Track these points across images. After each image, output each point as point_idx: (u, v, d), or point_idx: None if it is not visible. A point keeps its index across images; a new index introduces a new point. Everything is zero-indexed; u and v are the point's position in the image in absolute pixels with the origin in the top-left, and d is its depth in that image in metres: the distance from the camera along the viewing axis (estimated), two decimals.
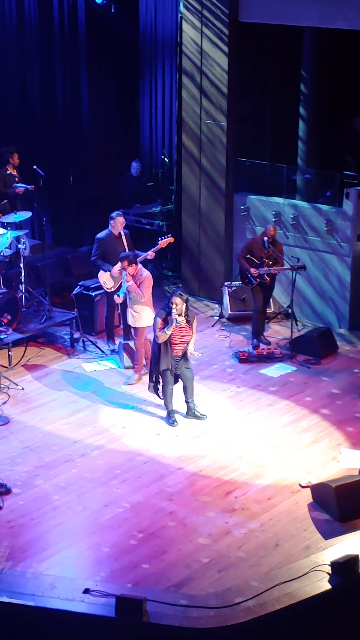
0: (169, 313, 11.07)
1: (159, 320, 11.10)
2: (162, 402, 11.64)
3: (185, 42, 14.69)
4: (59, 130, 17.16)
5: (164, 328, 11.07)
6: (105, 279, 13.12)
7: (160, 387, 11.50)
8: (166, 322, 11.09)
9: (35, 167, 15.08)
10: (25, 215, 14.06)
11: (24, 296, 13.52)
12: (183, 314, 11.13)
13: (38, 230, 17.26)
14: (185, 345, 11.25)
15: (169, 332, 11.06)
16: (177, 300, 11.06)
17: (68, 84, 16.91)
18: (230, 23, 14.17)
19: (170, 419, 11.49)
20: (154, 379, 11.47)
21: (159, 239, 13.10)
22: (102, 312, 13.76)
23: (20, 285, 13.55)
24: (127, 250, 13.09)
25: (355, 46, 13.85)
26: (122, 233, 13.14)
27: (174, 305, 11.04)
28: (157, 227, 15.99)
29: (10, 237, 13.55)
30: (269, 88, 15.33)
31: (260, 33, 14.52)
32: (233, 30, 14.23)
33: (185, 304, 11.15)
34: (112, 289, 13.15)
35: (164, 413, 11.65)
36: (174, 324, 11.03)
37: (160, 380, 11.43)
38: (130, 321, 12.32)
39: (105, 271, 13.08)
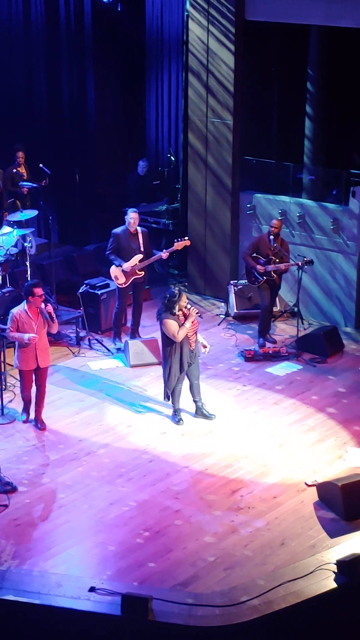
0: (172, 312, 11.02)
1: (172, 322, 11.03)
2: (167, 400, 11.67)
3: (191, 40, 14.68)
4: (65, 128, 17.17)
5: (184, 323, 11.03)
6: (117, 273, 13.14)
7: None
8: (177, 320, 11.04)
9: (41, 165, 15.11)
10: (31, 213, 14.07)
11: None
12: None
13: (44, 228, 17.28)
14: (195, 336, 11.25)
15: (188, 325, 11.02)
16: (184, 297, 11.10)
17: (74, 82, 16.92)
18: (236, 21, 14.16)
19: (176, 417, 11.49)
20: (172, 386, 11.36)
21: (175, 240, 13.11)
22: (111, 310, 13.74)
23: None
24: (142, 248, 13.09)
25: None
26: (139, 230, 13.15)
27: (182, 302, 11.03)
28: (163, 226, 16.01)
29: (16, 235, 13.57)
30: (275, 86, 15.33)
31: (266, 31, 14.51)
32: (239, 29, 14.22)
33: None
34: (124, 285, 13.17)
35: (169, 412, 11.65)
36: (194, 317, 11.03)
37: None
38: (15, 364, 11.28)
39: (117, 266, 13.09)
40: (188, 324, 11.04)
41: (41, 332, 11.09)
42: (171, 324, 11.02)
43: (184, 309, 11.09)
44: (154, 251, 13.28)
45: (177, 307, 11.04)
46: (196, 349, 11.33)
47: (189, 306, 11.13)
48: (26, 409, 11.54)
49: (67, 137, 17.15)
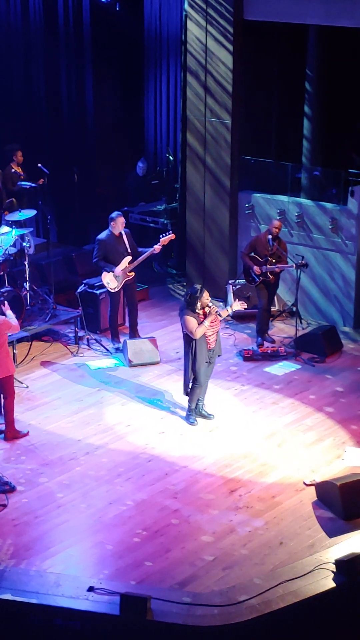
0: (194, 310, 10.99)
1: (192, 319, 10.99)
2: (167, 399, 11.64)
3: (190, 40, 14.68)
4: (64, 128, 17.16)
5: (202, 321, 11.01)
6: (108, 279, 13.13)
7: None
8: (196, 317, 11.02)
9: (39, 165, 15.10)
10: (29, 213, 14.04)
11: (28, 294, 13.52)
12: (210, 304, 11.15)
13: (43, 228, 17.26)
14: (216, 335, 11.22)
15: (207, 324, 10.98)
16: (206, 294, 11.04)
17: (73, 82, 16.91)
18: (235, 21, 14.15)
19: (190, 417, 11.45)
20: (190, 382, 11.31)
21: (160, 236, 13.12)
22: (105, 311, 13.76)
23: (24, 284, 13.55)
24: (129, 250, 13.11)
25: None
26: (123, 232, 13.15)
27: (205, 298, 10.97)
28: (161, 225, 16.00)
29: (15, 235, 13.55)
30: (274, 86, 15.32)
31: (265, 31, 14.51)
32: (238, 29, 14.21)
33: None
34: (116, 289, 13.16)
35: (168, 412, 11.65)
36: (214, 315, 11.00)
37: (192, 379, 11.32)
38: None
39: (108, 272, 13.09)
40: (207, 322, 10.99)
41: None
42: (190, 321, 10.97)
43: (206, 308, 11.04)
44: (139, 249, 13.24)
45: (199, 303, 10.99)
46: (216, 349, 11.30)
47: (211, 304, 11.10)
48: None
49: (66, 137, 17.14)
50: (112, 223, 13.08)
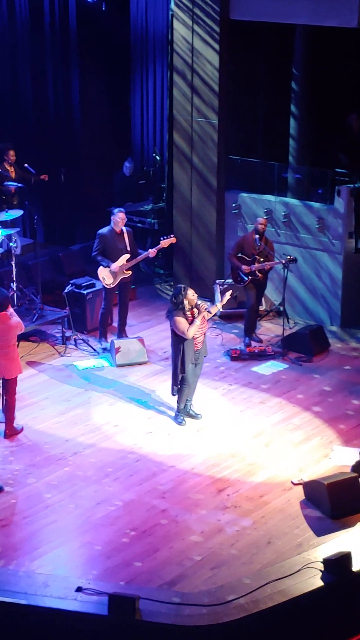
0: (182, 309, 10.99)
1: (182, 319, 10.98)
2: (155, 398, 11.63)
3: (176, 40, 14.68)
4: (51, 128, 17.13)
5: (193, 321, 11.01)
6: (104, 274, 13.12)
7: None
8: (186, 318, 11.02)
9: (26, 165, 15.08)
10: (16, 213, 14.02)
11: (15, 295, 13.49)
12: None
13: (29, 228, 17.23)
14: (203, 336, 11.23)
15: (198, 322, 10.99)
16: (191, 291, 11.05)
17: (59, 82, 16.88)
18: (221, 21, 14.16)
19: (179, 417, 11.46)
20: (178, 382, 11.31)
21: (162, 238, 13.11)
22: (97, 310, 13.73)
23: (11, 284, 13.52)
24: (128, 248, 13.09)
25: (346, 44, 13.85)
26: (125, 230, 13.13)
27: (190, 297, 10.99)
28: (148, 225, 16.01)
29: (1, 235, 13.52)
30: (260, 85, 15.31)
31: (251, 31, 14.51)
32: (224, 28, 14.22)
33: None
34: (112, 285, 13.15)
35: (156, 411, 11.65)
36: (204, 312, 11.03)
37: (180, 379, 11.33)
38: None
39: (105, 267, 13.08)
40: (198, 321, 10.99)
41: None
42: (180, 322, 10.97)
43: (194, 309, 11.05)
44: (139, 250, 13.28)
45: (186, 302, 10.98)
46: (202, 350, 11.30)
47: (199, 302, 11.09)
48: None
49: (53, 137, 17.10)
50: (112, 218, 13.08)
